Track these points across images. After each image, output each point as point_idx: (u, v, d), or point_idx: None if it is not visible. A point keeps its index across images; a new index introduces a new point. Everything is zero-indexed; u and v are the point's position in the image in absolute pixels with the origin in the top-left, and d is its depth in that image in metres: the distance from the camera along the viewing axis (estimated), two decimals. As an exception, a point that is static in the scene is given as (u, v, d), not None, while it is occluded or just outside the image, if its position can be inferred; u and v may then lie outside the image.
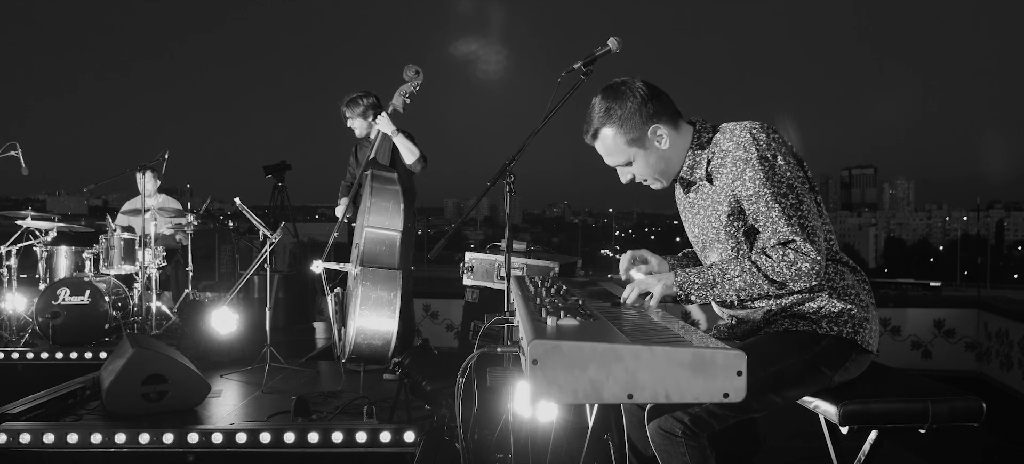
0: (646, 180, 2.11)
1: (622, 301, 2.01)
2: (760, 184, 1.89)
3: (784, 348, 1.93)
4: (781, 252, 1.87)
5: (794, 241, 1.87)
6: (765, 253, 1.90)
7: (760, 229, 1.93)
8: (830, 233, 2.01)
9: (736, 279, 1.91)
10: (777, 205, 1.88)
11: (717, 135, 2.02)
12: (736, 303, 2.12)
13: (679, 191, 2.21)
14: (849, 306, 1.96)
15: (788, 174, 1.90)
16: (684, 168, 2.07)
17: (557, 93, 2.48)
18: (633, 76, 2.04)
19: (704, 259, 2.15)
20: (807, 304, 1.98)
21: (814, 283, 1.88)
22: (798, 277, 1.86)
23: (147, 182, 6.11)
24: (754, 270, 1.89)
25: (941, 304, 6.33)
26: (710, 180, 2.02)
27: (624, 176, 2.12)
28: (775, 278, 1.87)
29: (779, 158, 1.90)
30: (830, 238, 2.00)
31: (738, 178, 1.93)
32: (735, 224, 1.97)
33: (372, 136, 4.74)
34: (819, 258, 1.85)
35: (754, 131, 1.93)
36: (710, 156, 2.02)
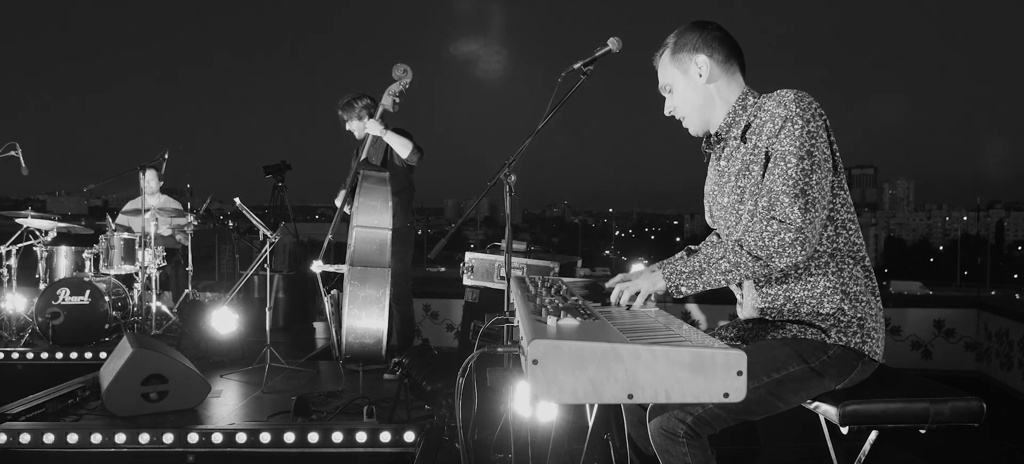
0: (684, 117, 2.12)
1: (613, 302, 2.01)
2: (786, 140, 1.87)
3: (790, 355, 1.90)
4: (764, 223, 1.86)
5: (782, 202, 1.84)
6: (751, 229, 1.89)
7: (761, 185, 1.91)
8: (852, 222, 1.97)
9: (721, 261, 1.89)
10: (784, 162, 1.86)
11: (761, 98, 2.01)
12: (739, 295, 2.11)
13: (711, 168, 2.17)
14: (859, 314, 1.93)
15: (813, 141, 1.86)
16: (722, 123, 2.07)
17: (557, 93, 2.48)
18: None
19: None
20: (817, 309, 1.95)
21: (800, 258, 1.85)
22: (781, 250, 1.84)
23: (149, 182, 6.12)
24: (738, 249, 1.88)
25: (941, 304, 6.33)
26: (744, 139, 2.00)
27: (666, 106, 2.15)
28: (758, 254, 1.85)
29: (811, 123, 1.87)
30: (850, 227, 1.96)
31: (774, 136, 1.90)
32: (760, 189, 1.94)
33: (366, 137, 4.77)
34: (805, 228, 1.83)
35: (799, 93, 1.91)
36: (751, 118, 2.00)
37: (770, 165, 1.90)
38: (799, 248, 1.84)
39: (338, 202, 4.89)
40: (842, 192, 1.95)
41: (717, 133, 2.09)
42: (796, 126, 1.87)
